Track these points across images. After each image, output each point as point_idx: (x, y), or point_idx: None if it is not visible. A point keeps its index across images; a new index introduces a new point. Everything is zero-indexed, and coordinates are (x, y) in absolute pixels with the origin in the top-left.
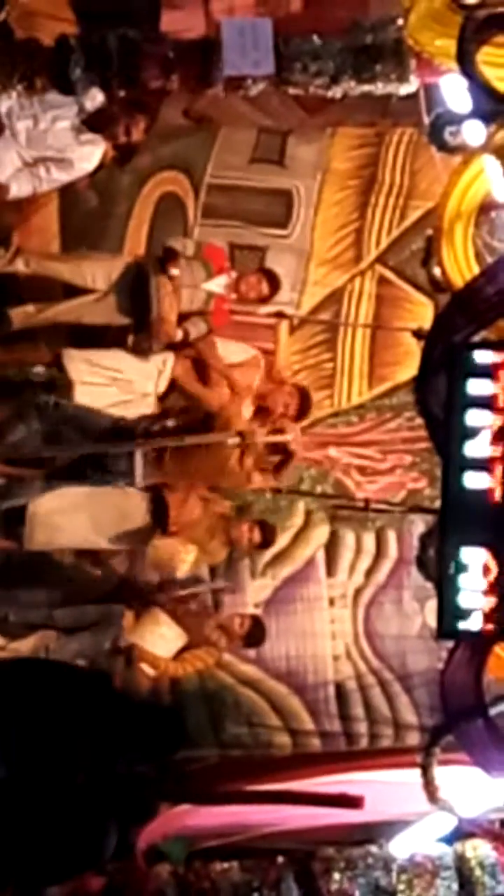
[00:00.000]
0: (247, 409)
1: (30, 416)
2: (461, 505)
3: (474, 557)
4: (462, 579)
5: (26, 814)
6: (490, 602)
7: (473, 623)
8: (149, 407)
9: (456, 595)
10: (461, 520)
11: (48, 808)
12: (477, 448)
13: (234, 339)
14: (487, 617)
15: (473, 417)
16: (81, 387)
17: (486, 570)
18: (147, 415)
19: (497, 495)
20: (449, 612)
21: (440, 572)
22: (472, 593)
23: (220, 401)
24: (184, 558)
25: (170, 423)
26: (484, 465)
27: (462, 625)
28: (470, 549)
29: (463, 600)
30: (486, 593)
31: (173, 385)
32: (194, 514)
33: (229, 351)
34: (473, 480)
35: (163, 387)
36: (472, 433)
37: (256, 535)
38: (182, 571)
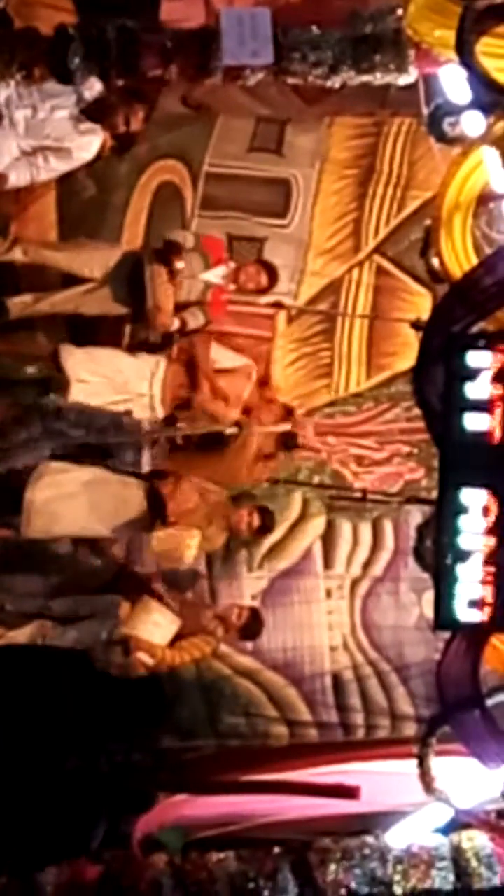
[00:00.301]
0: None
1: (32, 421)
2: (461, 446)
3: (474, 499)
4: (462, 521)
5: (16, 798)
6: (490, 543)
7: (472, 567)
8: (144, 409)
9: (457, 535)
10: (461, 461)
11: (37, 793)
12: (477, 389)
13: (232, 326)
14: (487, 559)
15: (474, 358)
16: (77, 385)
17: (487, 510)
18: (154, 419)
19: (497, 436)
20: (446, 603)
21: (437, 563)
22: (473, 535)
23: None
24: (189, 544)
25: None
26: (484, 406)
27: (460, 569)
28: (470, 490)
29: (463, 542)
30: (486, 534)
31: (188, 403)
32: (191, 503)
33: (221, 356)
34: (473, 422)
35: (157, 388)
36: (473, 374)
37: (256, 520)
38: (189, 558)
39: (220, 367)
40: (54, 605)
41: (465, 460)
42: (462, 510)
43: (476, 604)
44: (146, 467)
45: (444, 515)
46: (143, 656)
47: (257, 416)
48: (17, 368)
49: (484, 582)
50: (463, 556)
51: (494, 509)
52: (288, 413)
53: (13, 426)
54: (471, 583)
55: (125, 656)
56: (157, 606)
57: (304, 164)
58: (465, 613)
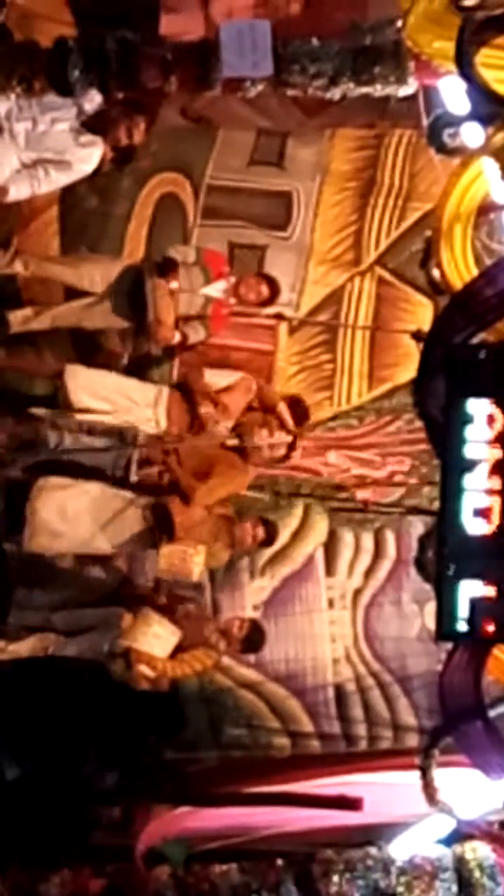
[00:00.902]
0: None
1: (38, 452)
2: (466, 358)
3: (479, 409)
4: (468, 431)
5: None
6: (495, 454)
7: (478, 477)
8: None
9: (462, 446)
10: (465, 372)
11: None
12: None
13: (233, 340)
14: (492, 470)
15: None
16: (81, 416)
17: (491, 420)
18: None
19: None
20: (448, 613)
21: (438, 573)
22: (478, 444)
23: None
24: (196, 560)
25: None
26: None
27: (467, 478)
28: (475, 400)
29: (469, 452)
30: (491, 444)
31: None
32: (197, 516)
33: (216, 378)
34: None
35: (162, 413)
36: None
37: (261, 532)
38: (195, 575)
39: (217, 388)
40: (56, 617)
41: (470, 370)
42: (468, 420)
43: (481, 513)
44: (133, 477)
45: (451, 426)
46: (144, 669)
47: (258, 428)
48: (23, 383)
49: (490, 492)
50: (469, 465)
51: (500, 419)
52: (292, 403)
53: (19, 450)
54: (477, 492)
55: (127, 668)
56: (158, 619)
57: (305, 178)
58: (472, 524)
